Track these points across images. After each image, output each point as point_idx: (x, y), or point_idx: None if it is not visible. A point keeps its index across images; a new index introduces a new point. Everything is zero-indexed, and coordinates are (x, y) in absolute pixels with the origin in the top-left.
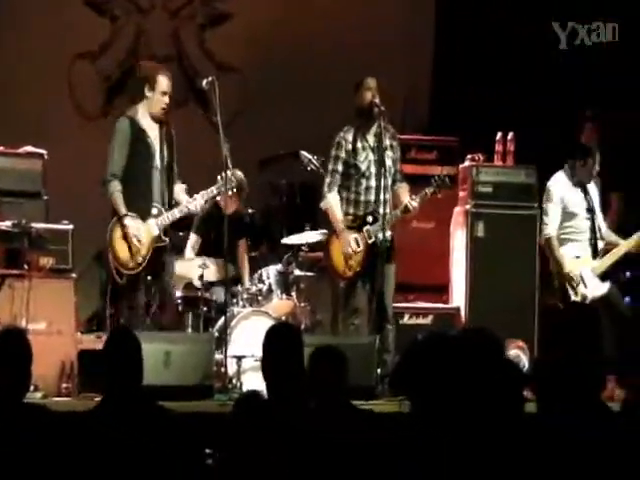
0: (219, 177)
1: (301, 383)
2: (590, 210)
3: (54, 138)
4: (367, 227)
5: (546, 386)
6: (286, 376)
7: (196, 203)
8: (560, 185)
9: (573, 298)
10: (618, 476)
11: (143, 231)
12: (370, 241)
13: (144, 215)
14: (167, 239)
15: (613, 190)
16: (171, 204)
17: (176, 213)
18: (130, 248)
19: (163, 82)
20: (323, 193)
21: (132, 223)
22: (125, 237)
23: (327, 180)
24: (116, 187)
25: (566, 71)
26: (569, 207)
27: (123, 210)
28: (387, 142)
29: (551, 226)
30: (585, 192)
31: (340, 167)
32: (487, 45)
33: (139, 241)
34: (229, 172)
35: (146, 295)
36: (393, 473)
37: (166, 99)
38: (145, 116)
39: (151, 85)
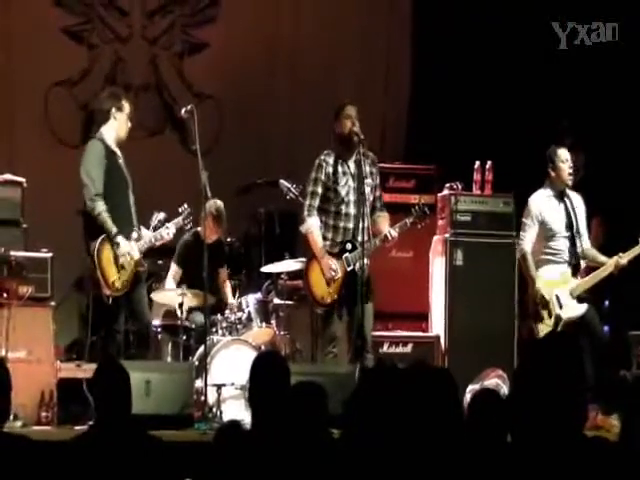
0: (180, 209)
1: (285, 411)
2: (570, 226)
3: (32, 166)
4: (346, 254)
5: (521, 417)
6: (272, 404)
7: (169, 231)
8: (539, 200)
9: (546, 319)
10: None
11: (133, 250)
12: (349, 269)
13: (127, 238)
14: (146, 265)
15: (593, 214)
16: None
17: (152, 239)
18: (118, 268)
19: (128, 106)
20: (303, 216)
21: (125, 241)
22: (115, 257)
23: (307, 202)
24: (102, 206)
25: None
26: (548, 223)
27: (115, 229)
28: (367, 169)
29: (527, 241)
30: (565, 206)
31: (320, 189)
32: (464, 73)
33: (132, 258)
34: (208, 202)
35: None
36: None
37: (129, 123)
38: (112, 140)
39: (119, 108)
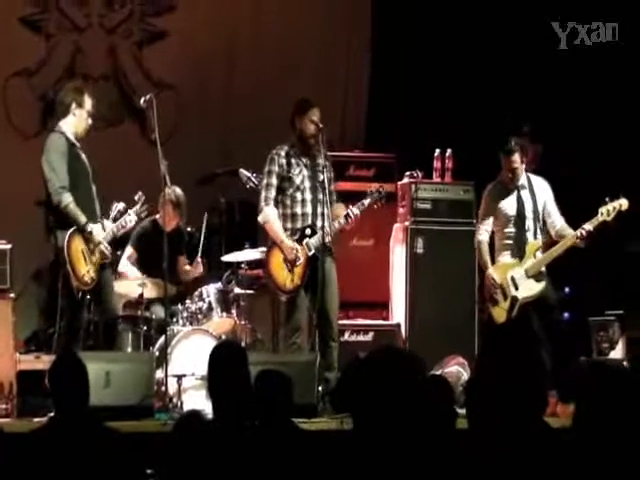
0: (136, 196)
1: (246, 401)
2: (520, 214)
3: None
4: (306, 240)
5: (478, 405)
6: (232, 394)
7: (131, 218)
8: (492, 191)
9: (501, 302)
10: None
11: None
12: (310, 253)
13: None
14: (110, 256)
15: None
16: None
17: (115, 229)
18: (87, 262)
19: (89, 102)
20: (260, 207)
21: (96, 229)
22: (83, 250)
23: (263, 194)
24: (69, 198)
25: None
26: (502, 211)
27: (84, 218)
28: (321, 162)
29: (482, 230)
30: (518, 193)
31: (275, 181)
32: (423, 62)
33: (106, 247)
34: (167, 189)
35: (87, 314)
36: None
37: (90, 120)
38: (71, 133)
39: (79, 103)
